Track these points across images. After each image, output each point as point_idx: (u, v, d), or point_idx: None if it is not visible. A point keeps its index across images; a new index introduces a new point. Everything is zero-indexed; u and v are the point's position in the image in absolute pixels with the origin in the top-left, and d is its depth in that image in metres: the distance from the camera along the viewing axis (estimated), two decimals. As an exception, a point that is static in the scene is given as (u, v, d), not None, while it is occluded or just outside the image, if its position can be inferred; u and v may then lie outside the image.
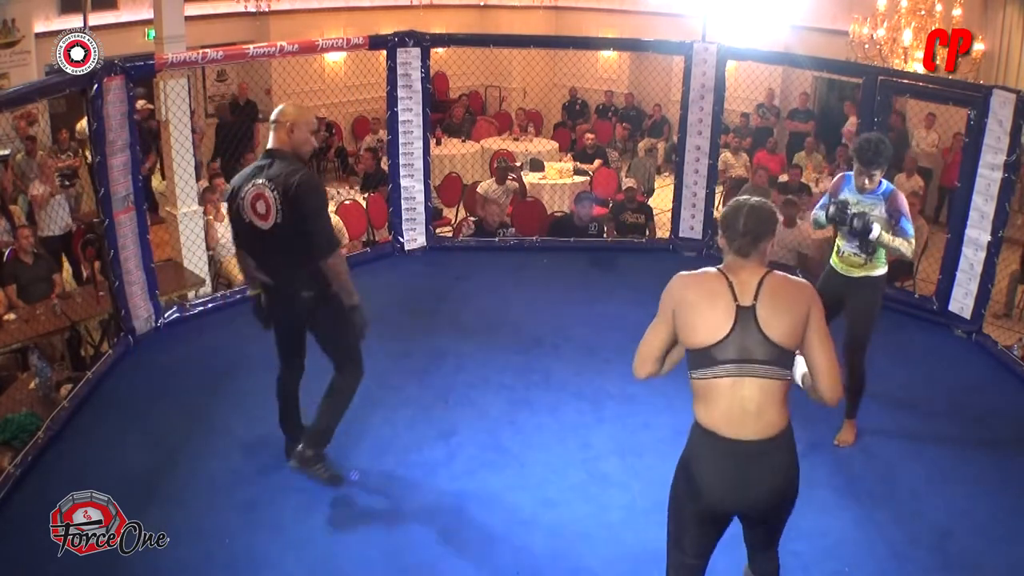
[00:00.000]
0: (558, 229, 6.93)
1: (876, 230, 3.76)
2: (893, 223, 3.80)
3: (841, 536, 3.51)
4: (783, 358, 2.34)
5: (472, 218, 7.36)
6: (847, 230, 3.87)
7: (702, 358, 2.35)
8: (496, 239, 6.70)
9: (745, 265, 2.42)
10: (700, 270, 2.51)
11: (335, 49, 5.99)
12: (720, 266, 2.48)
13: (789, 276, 2.46)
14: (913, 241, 3.87)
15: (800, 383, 2.49)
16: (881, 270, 3.95)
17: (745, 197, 2.54)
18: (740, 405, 2.33)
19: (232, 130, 8.87)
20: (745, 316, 2.33)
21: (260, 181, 3.38)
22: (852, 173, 3.91)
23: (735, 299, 2.36)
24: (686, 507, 2.51)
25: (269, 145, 3.47)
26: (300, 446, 3.68)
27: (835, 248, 4.05)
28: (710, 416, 2.37)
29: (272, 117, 3.50)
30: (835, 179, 4.09)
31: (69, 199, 7.23)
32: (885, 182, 3.90)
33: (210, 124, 10.41)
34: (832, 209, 3.87)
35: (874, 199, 3.85)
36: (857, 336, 3.97)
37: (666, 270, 5.58)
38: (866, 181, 3.82)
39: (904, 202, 3.86)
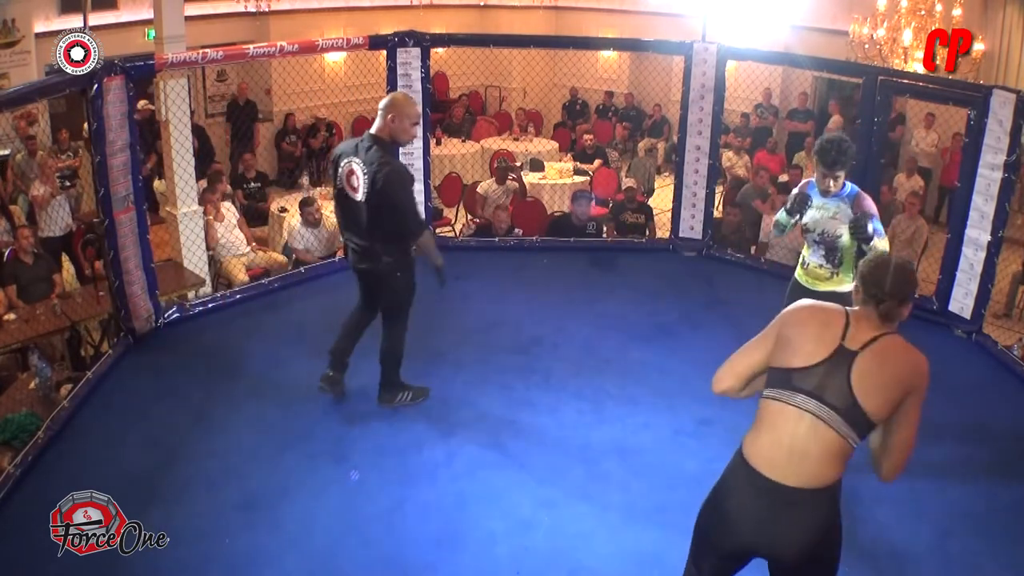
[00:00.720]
0: (557, 229, 6.93)
1: (844, 235, 3.67)
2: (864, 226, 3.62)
3: (841, 536, 3.51)
4: (856, 416, 2.18)
5: (475, 220, 7.37)
6: (815, 237, 3.77)
7: (780, 378, 2.25)
8: (496, 239, 6.70)
9: (877, 323, 2.25)
10: (827, 306, 2.34)
11: (335, 49, 5.99)
12: (850, 308, 2.31)
13: (910, 346, 2.24)
14: (886, 239, 3.69)
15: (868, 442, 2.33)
16: (848, 285, 3.69)
17: (887, 255, 2.39)
18: (789, 442, 2.19)
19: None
20: (842, 358, 2.19)
21: (357, 160, 3.79)
22: (814, 180, 3.78)
23: (843, 338, 2.21)
24: (711, 535, 2.37)
25: (372, 129, 3.83)
26: (380, 396, 4.29)
27: (800, 260, 3.92)
28: (757, 444, 2.26)
29: (380, 104, 3.84)
30: (800, 185, 3.93)
31: (69, 199, 7.24)
32: (849, 184, 3.79)
33: (210, 124, 10.42)
34: (791, 202, 3.74)
35: (838, 202, 3.74)
36: None
37: (666, 270, 5.63)
38: (830, 183, 3.70)
39: (871, 203, 3.72)
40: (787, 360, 2.24)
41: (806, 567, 2.28)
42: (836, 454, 2.19)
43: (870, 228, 3.55)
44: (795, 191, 3.86)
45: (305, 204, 6.87)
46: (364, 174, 3.75)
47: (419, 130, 3.96)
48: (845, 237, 3.67)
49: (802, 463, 2.17)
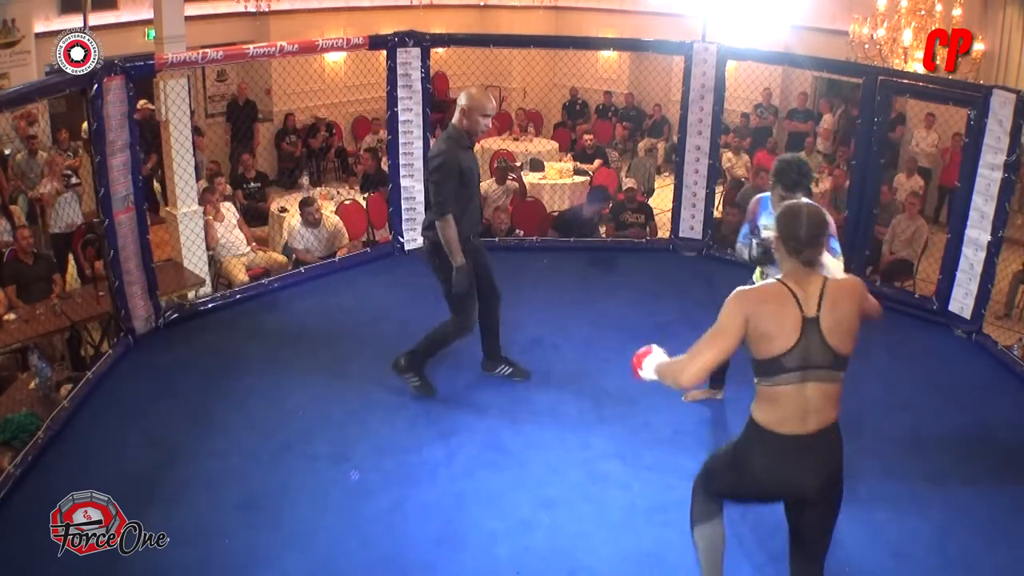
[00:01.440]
0: (565, 221, 6.92)
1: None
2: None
3: (841, 536, 3.50)
4: (840, 362, 2.50)
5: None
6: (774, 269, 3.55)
7: (769, 366, 2.48)
8: (496, 239, 6.70)
9: (808, 274, 2.50)
10: (761, 283, 2.61)
11: (335, 49, 5.99)
12: (779, 277, 2.54)
13: (840, 280, 2.57)
14: (842, 260, 3.52)
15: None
16: None
17: (797, 203, 2.62)
18: (802, 406, 2.49)
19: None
20: (810, 327, 2.46)
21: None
22: (768, 196, 3.76)
23: (801, 311, 2.46)
24: (728, 481, 2.74)
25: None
26: (396, 358, 4.40)
27: (758, 274, 3.88)
28: (773, 416, 2.52)
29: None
30: (752, 203, 3.92)
31: (77, 196, 7.24)
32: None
33: (211, 124, 10.42)
34: (756, 251, 3.63)
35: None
36: None
37: (666, 270, 5.62)
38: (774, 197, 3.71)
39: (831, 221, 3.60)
40: (769, 350, 2.47)
41: (821, 504, 2.62)
42: (835, 396, 2.54)
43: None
44: (752, 219, 3.84)
45: (305, 204, 6.86)
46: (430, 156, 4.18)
47: (487, 124, 4.16)
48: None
49: (813, 415, 2.51)
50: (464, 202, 4.12)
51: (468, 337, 4.74)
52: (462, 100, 4.07)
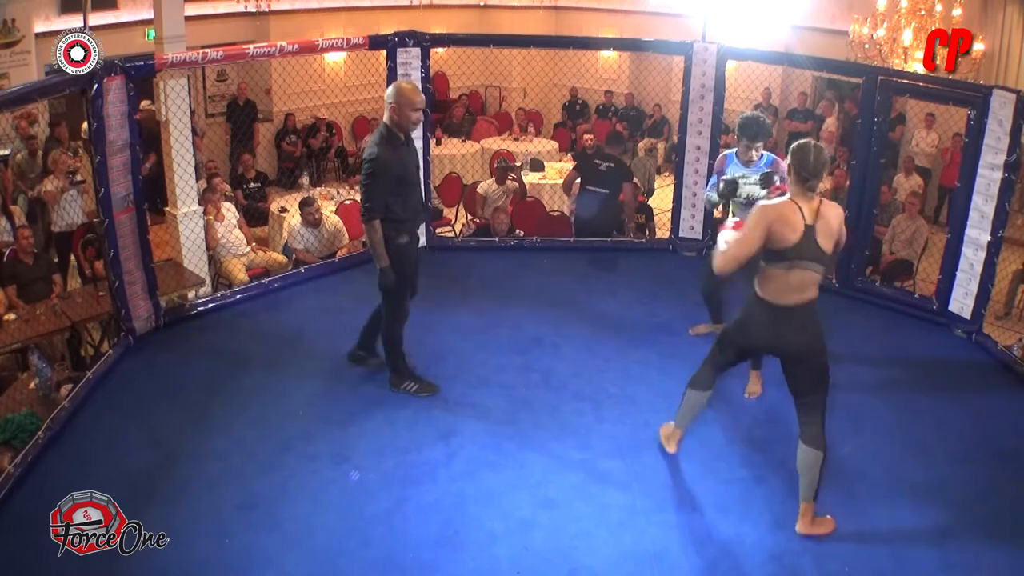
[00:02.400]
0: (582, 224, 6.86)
1: (764, 195, 4.30)
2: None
3: (841, 536, 3.51)
4: (824, 258, 3.33)
5: (475, 220, 7.36)
6: (741, 201, 4.41)
7: (777, 255, 3.32)
8: (496, 239, 6.70)
9: (810, 195, 3.33)
10: (779, 200, 3.37)
11: (335, 49, 5.99)
12: (790, 196, 3.35)
13: (830, 203, 3.41)
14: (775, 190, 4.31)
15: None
16: None
17: (807, 141, 3.37)
18: (794, 284, 3.33)
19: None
20: (808, 231, 3.29)
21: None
22: (734, 151, 4.56)
23: (804, 220, 3.30)
24: (737, 341, 3.62)
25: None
26: (389, 378, 4.52)
27: (730, 216, 4.48)
28: (771, 290, 3.38)
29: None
30: (718, 159, 4.67)
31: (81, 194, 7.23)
32: (766, 154, 4.53)
33: (211, 124, 10.42)
34: (722, 186, 4.42)
35: (759, 170, 4.46)
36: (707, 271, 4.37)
37: (666, 270, 5.61)
38: (752, 154, 4.47)
39: (783, 164, 4.12)
40: (779, 245, 3.29)
41: (804, 362, 3.43)
42: (817, 282, 3.37)
43: (776, 179, 4.36)
44: (720, 171, 4.59)
45: (305, 204, 6.87)
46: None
47: (419, 116, 4.15)
48: (765, 195, 4.30)
49: (798, 292, 3.35)
50: (403, 199, 4.13)
51: (472, 336, 4.76)
52: (390, 96, 4.04)
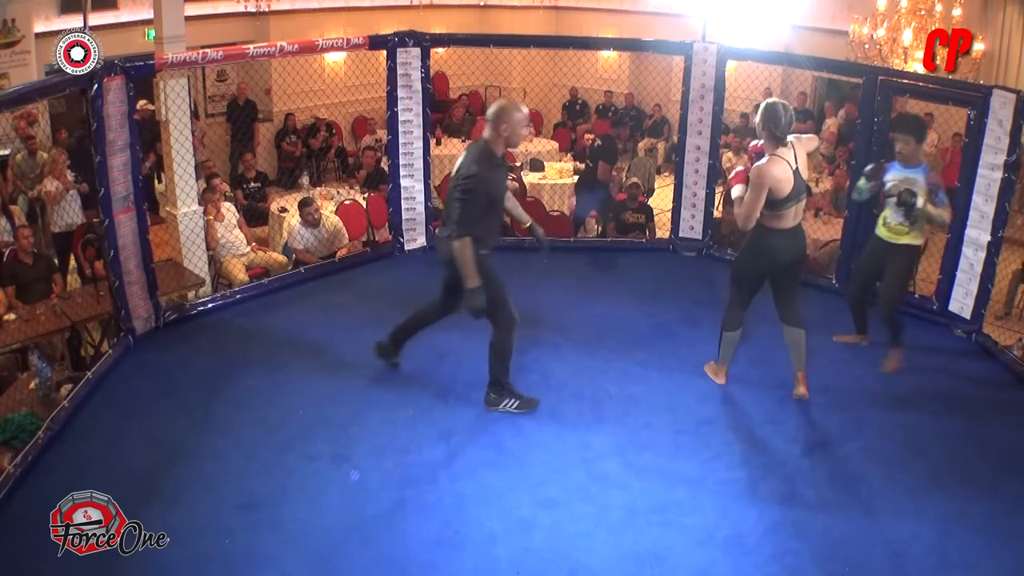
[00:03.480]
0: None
1: (919, 200, 4.51)
2: (932, 195, 4.55)
3: (841, 536, 3.51)
4: (807, 187, 4.37)
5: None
6: (895, 202, 4.60)
7: (780, 203, 4.10)
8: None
9: (784, 144, 4.06)
10: (770, 159, 4.03)
11: (335, 49, 5.99)
12: (775, 152, 4.04)
13: (800, 139, 4.18)
14: (950, 209, 4.71)
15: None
16: (919, 240, 4.79)
17: (776, 101, 4.04)
18: (794, 214, 4.20)
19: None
20: (796, 173, 4.09)
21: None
22: (895, 162, 4.71)
23: (791, 166, 4.05)
24: (753, 271, 4.38)
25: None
26: (485, 395, 4.38)
27: (881, 219, 4.77)
28: (782, 222, 4.19)
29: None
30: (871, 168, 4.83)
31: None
32: (923, 163, 4.69)
33: (211, 124, 10.42)
34: (868, 169, 4.76)
35: (916, 173, 4.60)
36: (891, 296, 4.79)
37: (666, 270, 5.61)
38: (902, 147, 4.61)
39: (938, 177, 4.70)
40: (783, 195, 4.06)
41: (801, 263, 4.37)
42: (805, 206, 4.30)
43: (919, 201, 4.55)
44: (876, 180, 4.76)
45: (304, 204, 6.86)
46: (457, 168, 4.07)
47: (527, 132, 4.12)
48: (920, 202, 4.52)
49: (798, 216, 4.23)
50: (490, 219, 4.07)
51: (472, 335, 4.75)
52: (495, 115, 3.93)
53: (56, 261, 6.51)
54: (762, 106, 4.04)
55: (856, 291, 5.06)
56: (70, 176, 7.03)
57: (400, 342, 4.62)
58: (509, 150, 4.29)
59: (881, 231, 4.78)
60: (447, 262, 4.11)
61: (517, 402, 4.35)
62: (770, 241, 4.24)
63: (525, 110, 4.11)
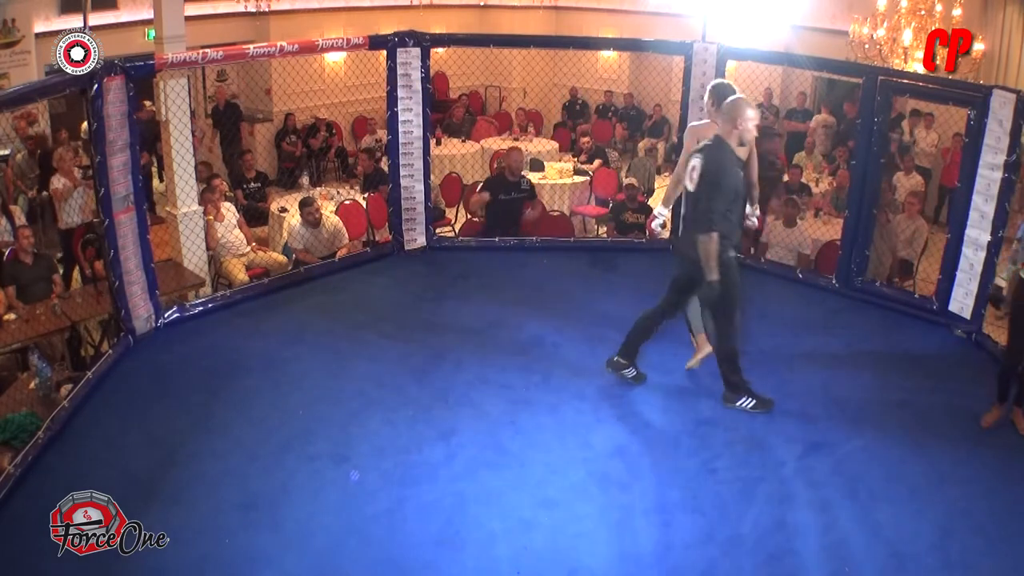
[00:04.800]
0: (493, 185, 6.89)
1: None
2: None
3: (841, 536, 3.51)
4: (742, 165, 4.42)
5: (475, 220, 7.36)
6: None
7: None
8: (496, 239, 6.69)
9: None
10: (704, 123, 4.43)
11: (335, 49, 5.99)
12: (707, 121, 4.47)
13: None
14: None
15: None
16: None
17: (722, 81, 4.47)
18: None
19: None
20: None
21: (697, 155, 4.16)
22: None
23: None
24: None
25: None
26: (723, 394, 4.43)
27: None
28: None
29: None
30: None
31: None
32: None
33: (211, 124, 10.41)
34: None
35: None
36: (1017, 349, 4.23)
37: (666, 270, 5.60)
38: None
39: None
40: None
41: None
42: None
43: None
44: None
45: (304, 204, 6.85)
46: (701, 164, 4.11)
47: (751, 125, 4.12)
48: None
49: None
50: (733, 214, 4.12)
51: (472, 335, 4.75)
52: (731, 110, 4.00)
53: (61, 257, 6.49)
54: (710, 86, 4.46)
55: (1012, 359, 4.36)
56: (78, 173, 7.02)
57: (633, 352, 4.56)
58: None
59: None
60: (687, 260, 4.19)
61: (753, 402, 4.37)
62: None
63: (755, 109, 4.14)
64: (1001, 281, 4.82)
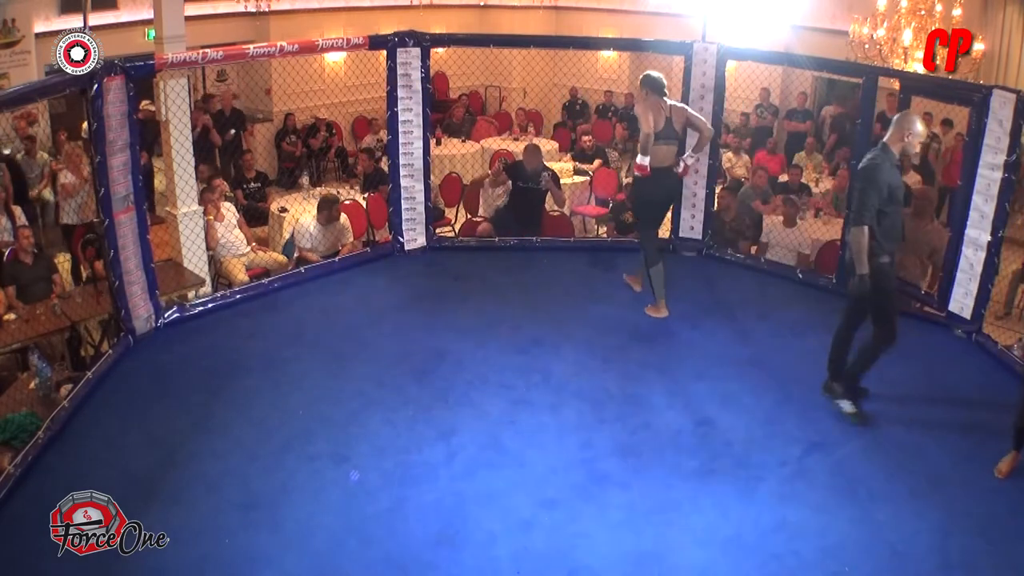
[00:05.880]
0: (514, 172, 6.93)
1: None
2: None
3: (841, 536, 3.51)
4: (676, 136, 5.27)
5: (476, 219, 7.35)
6: None
7: (654, 136, 5.09)
8: (496, 239, 6.69)
9: (663, 98, 5.19)
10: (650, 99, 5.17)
11: (335, 49, 5.99)
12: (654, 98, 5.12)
13: (676, 103, 5.33)
14: None
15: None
16: None
17: (648, 72, 5.33)
18: (664, 154, 5.20)
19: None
20: (668, 121, 5.14)
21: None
22: None
23: (664, 111, 5.14)
24: (646, 201, 5.40)
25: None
26: (826, 383, 4.45)
27: None
28: (654, 160, 5.11)
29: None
30: None
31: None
32: None
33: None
34: None
35: None
36: None
37: (666, 270, 5.59)
38: None
39: None
40: (656, 125, 5.12)
41: (676, 199, 5.96)
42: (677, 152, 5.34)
43: None
44: None
45: (330, 202, 6.61)
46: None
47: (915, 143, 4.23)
48: None
49: (667, 159, 5.23)
50: (889, 219, 4.14)
51: (472, 335, 4.74)
52: (905, 124, 4.12)
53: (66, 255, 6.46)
54: (643, 75, 5.28)
55: None
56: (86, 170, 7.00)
57: (840, 374, 4.47)
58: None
59: None
60: (874, 292, 4.12)
61: (853, 408, 4.34)
62: (652, 175, 5.12)
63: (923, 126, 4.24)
64: None
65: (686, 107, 5.42)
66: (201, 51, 5.25)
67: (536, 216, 6.90)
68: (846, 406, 4.37)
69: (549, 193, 6.95)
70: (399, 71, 6.06)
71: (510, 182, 6.93)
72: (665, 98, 5.22)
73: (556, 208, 7.13)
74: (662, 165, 5.16)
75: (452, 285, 5.95)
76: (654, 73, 5.32)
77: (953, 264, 5.31)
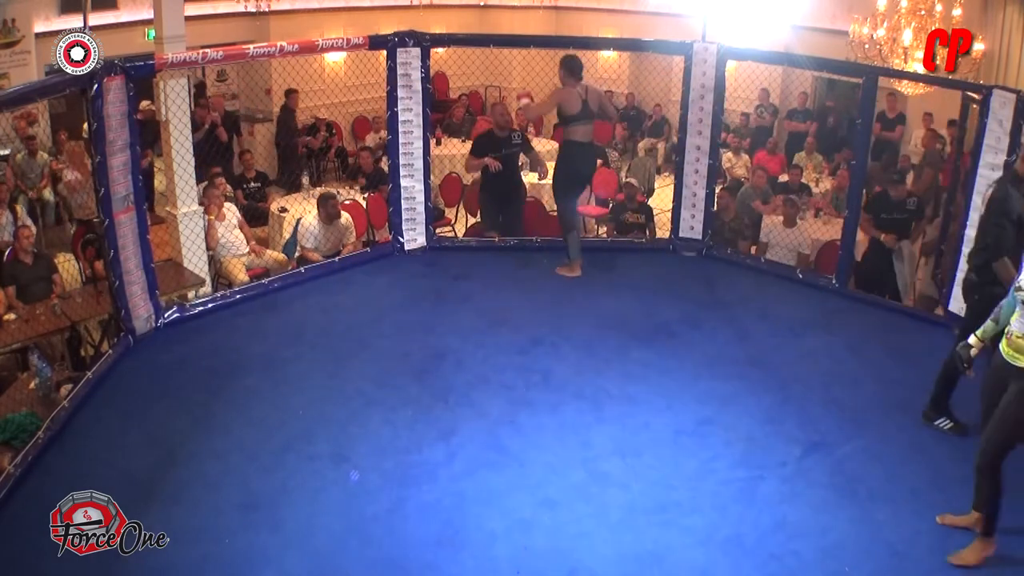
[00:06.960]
0: (483, 143, 6.68)
1: None
2: None
3: (841, 536, 3.51)
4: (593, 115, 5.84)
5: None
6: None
7: (572, 118, 5.66)
8: (495, 239, 6.68)
9: (578, 82, 5.68)
10: (565, 86, 5.73)
11: (335, 49, 5.99)
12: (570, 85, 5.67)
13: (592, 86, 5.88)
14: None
15: None
16: None
17: (571, 55, 5.83)
18: (583, 133, 5.80)
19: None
20: (585, 103, 5.69)
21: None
22: None
23: (580, 95, 5.67)
24: (565, 174, 5.95)
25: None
26: (924, 411, 4.37)
27: (1005, 331, 3.36)
28: (574, 135, 5.77)
29: None
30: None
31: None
32: None
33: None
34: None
35: None
36: (993, 437, 3.29)
37: (666, 270, 5.61)
38: None
39: None
40: (572, 109, 5.72)
41: (589, 180, 6.62)
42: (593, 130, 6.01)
43: None
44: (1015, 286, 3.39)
45: (328, 198, 6.64)
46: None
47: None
48: None
49: (586, 135, 5.80)
50: (1019, 249, 3.96)
51: (472, 335, 4.74)
52: None
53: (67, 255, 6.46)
54: (562, 60, 5.73)
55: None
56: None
57: (942, 405, 4.36)
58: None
59: (1003, 345, 3.37)
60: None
61: (951, 424, 4.30)
62: (570, 149, 5.78)
63: None
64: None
65: (602, 92, 6.26)
66: (201, 51, 5.25)
67: (516, 185, 6.74)
68: (946, 423, 4.32)
69: (529, 160, 6.83)
70: (399, 71, 6.06)
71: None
72: (582, 81, 5.78)
73: (538, 177, 6.76)
74: (583, 141, 5.79)
75: (452, 285, 5.95)
76: (572, 57, 5.81)
77: (953, 264, 5.31)
